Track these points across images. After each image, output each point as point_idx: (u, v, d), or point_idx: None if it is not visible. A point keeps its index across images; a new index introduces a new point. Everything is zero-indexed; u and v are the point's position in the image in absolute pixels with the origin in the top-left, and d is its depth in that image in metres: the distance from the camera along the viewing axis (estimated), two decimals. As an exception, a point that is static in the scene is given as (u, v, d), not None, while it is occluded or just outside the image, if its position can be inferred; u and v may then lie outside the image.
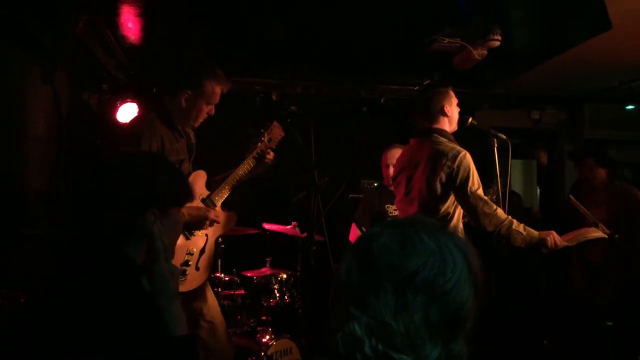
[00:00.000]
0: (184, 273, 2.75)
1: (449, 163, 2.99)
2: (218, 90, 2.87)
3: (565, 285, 4.78)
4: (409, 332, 0.95)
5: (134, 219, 1.49)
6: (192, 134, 3.02)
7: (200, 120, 2.91)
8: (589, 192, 4.25)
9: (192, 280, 2.82)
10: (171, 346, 1.43)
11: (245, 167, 3.10)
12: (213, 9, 3.66)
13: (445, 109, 3.17)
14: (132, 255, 1.50)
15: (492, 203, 3.00)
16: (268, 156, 3.14)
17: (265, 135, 3.23)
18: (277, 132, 3.27)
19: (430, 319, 0.96)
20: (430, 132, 3.18)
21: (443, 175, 2.99)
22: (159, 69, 4.51)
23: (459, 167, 2.97)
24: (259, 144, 3.19)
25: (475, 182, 2.98)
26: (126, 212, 1.48)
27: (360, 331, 0.96)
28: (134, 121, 2.96)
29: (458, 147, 3.06)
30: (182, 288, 2.73)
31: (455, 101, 3.22)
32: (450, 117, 3.20)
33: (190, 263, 2.79)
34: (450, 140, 3.14)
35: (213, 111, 2.92)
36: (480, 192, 2.99)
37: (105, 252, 1.47)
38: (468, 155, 3.02)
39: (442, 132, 3.17)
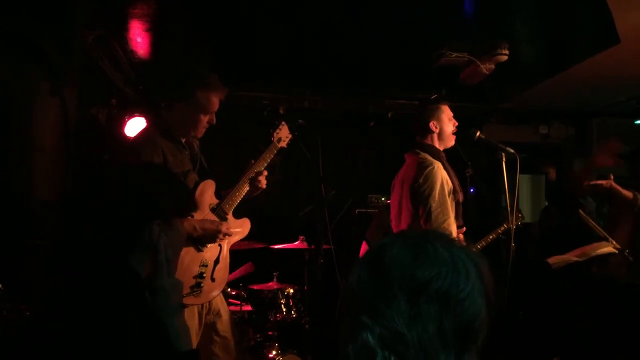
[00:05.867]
0: (198, 285, 2.72)
1: (416, 177, 2.96)
2: (214, 98, 2.81)
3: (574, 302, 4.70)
4: (422, 342, 0.94)
5: (138, 231, 1.47)
6: (196, 144, 2.98)
7: (201, 130, 2.86)
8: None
9: (208, 291, 2.78)
10: None
11: (254, 170, 3.05)
12: (221, 24, 3.69)
13: (431, 125, 3.13)
14: (136, 268, 1.47)
15: (452, 221, 2.93)
16: (260, 177, 3.05)
17: (275, 135, 3.21)
18: (285, 132, 3.26)
19: (444, 330, 0.95)
20: (414, 147, 3.17)
21: (412, 190, 2.97)
22: (161, 82, 4.52)
23: (424, 180, 2.94)
24: (270, 145, 3.16)
25: (436, 196, 2.91)
26: (130, 225, 1.47)
27: (373, 342, 0.94)
28: (135, 138, 2.95)
29: (429, 160, 3.03)
30: (199, 300, 2.74)
31: (447, 117, 3.17)
32: (440, 134, 3.15)
33: (204, 275, 2.76)
34: (433, 154, 3.09)
35: (214, 120, 2.85)
36: (440, 211, 2.90)
37: (110, 266, 1.45)
38: (437, 169, 2.98)
39: (425, 147, 3.13)
